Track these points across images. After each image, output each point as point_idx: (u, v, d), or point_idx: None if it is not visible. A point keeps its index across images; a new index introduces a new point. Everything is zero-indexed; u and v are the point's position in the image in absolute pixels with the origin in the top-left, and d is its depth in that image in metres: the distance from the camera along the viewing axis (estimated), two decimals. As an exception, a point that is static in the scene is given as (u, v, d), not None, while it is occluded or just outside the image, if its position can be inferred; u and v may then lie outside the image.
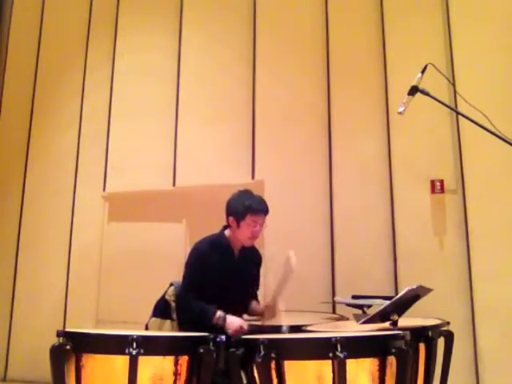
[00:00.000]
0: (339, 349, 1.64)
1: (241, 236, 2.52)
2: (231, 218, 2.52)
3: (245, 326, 2.32)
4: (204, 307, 2.41)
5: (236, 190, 2.60)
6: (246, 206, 2.47)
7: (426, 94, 2.24)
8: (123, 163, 4.21)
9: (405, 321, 2.17)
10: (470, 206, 3.30)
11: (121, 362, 1.75)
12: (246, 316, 2.65)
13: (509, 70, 3.34)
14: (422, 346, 2.06)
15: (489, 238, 3.21)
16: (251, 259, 2.65)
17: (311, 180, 3.71)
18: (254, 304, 2.68)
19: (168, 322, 2.51)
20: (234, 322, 2.34)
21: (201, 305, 2.42)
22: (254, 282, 2.68)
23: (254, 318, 2.67)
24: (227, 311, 2.45)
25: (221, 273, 2.50)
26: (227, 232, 2.59)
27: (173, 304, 2.56)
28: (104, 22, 4.58)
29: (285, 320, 2.46)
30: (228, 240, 2.57)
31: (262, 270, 2.81)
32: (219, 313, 2.37)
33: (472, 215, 3.28)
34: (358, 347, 1.71)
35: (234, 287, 2.53)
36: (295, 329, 2.33)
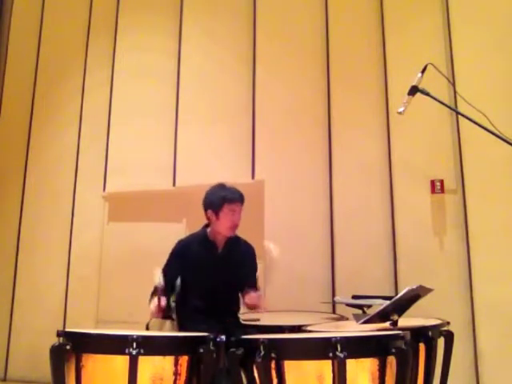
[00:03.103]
0: (339, 349, 1.63)
1: (221, 227, 2.57)
2: (209, 212, 2.59)
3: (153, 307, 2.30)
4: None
5: (209, 186, 2.68)
6: (222, 197, 2.56)
7: (426, 94, 2.24)
8: (123, 163, 4.21)
9: (405, 321, 2.17)
10: (470, 205, 3.30)
11: (121, 361, 1.75)
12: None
13: (509, 70, 3.34)
14: (421, 346, 2.06)
15: (489, 237, 3.21)
16: (239, 254, 2.66)
17: (311, 180, 3.71)
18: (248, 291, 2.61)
19: (168, 322, 2.51)
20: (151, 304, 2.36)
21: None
22: (243, 273, 2.66)
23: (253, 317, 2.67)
24: (211, 304, 2.51)
25: (201, 265, 2.55)
26: (209, 229, 2.65)
27: (173, 304, 2.57)
28: (104, 22, 4.58)
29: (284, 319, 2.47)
30: (210, 235, 2.63)
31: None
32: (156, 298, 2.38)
33: (472, 215, 3.28)
34: (358, 347, 1.71)
35: (217, 280, 2.55)
36: (295, 329, 2.34)
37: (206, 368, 1.87)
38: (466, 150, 3.37)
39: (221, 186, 2.65)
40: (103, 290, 4.05)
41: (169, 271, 2.57)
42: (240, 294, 2.68)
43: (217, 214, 2.57)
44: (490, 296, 3.14)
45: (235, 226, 2.59)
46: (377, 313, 2.09)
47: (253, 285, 2.67)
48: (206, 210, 2.63)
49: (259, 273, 2.82)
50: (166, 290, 2.54)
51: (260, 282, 2.81)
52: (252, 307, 2.52)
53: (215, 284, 2.53)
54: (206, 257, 2.58)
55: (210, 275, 2.53)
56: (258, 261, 2.82)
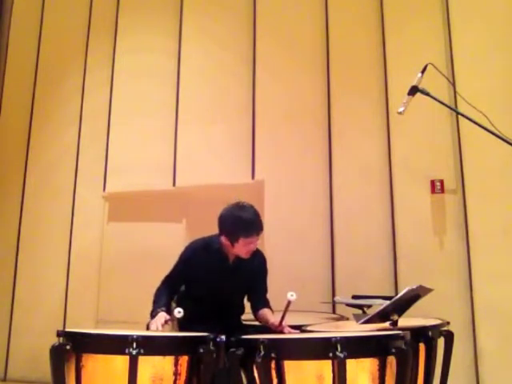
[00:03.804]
0: (339, 349, 1.64)
1: (236, 252, 2.46)
2: (224, 238, 2.43)
3: (159, 326, 2.24)
4: (156, 299, 2.44)
5: (228, 205, 2.46)
6: (239, 229, 2.36)
7: (426, 94, 2.24)
8: (123, 163, 4.21)
9: (405, 321, 2.17)
10: (470, 206, 3.30)
11: (121, 362, 1.75)
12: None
13: (509, 70, 3.34)
14: (421, 346, 2.06)
15: (489, 237, 3.21)
16: (251, 265, 2.55)
17: (311, 180, 3.71)
18: (266, 312, 2.51)
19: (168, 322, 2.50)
20: (154, 321, 2.30)
21: (159, 295, 2.46)
22: (252, 287, 2.59)
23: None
24: (218, 314, 2.46)
25: (210, 275, 2.47)
26: (223, 238, 2.49)
27: (173, 304, 2.56)
28: (104, 22, 4.58)
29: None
30: (222, 246, 2.50)
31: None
32: (158, 310, 2.34)
33: (472, 215, 3.28)
34: (358, 347, 1.71)
35: (226, 291, 2.49)
36: (295, 329, 2.34)
37: (206, 368, 1.87)
38: (466, 150, 3.37)
39: (240, 212, 2.40)
40: (103, 290, 4.05)
41: (176, 276, 2.53)
42: (247, 299, 2.63)
43: (232, 243, 2.39)
44: (490, 296, 3.14)
45: (251, 252, 2.44)
46: (377, 313, 2.10)
47: (262, 295, 2.59)
48: (220, 233, 2.44)
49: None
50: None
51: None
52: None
53: (222, 294, 2.48)
54: (216, 267, 2.49)
55: (217, 285, 2.47)
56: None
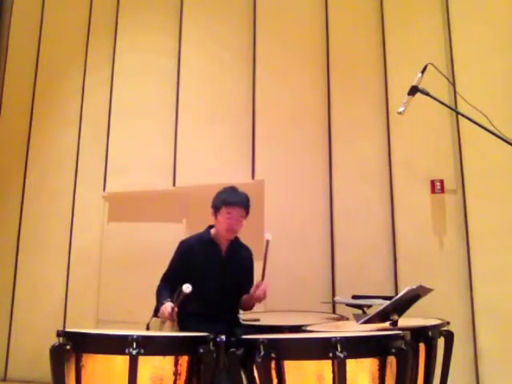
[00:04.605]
0: (339, 349, 1.64)
1: (220, 228, 2.63)
2: (212, 211, 2.66)
3: (166, 313, 2.35)
4: (159, 297, 2.54)
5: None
6: (221, 199, 2.62)
7: (426, 94, 2.24)
8: (123, 163, 4.21)
9: (405, 321, 2.17)
10: (470, 206, 3.30)
11: (121, 362, 1.75)
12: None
13: (509, 70, 3.34)
14: (421, 346, 2.06)
15: (489, 237, 3.21)
16: (241, 257, 2.71)
17: (311, 180, 3.71)
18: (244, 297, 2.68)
19: (168, 322, 2.51)
20: (163, 308, 2.40)
21: (160, 293, 2.56)
22: (243, 278, 2.69)
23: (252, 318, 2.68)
24: (213, 306, 2.53)
25: (206, 267, 2.57)
26: (213, 230, 2.68)
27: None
28: (104, 21, 4.58)
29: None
30: (213, 237, 2.66)
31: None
32: (164, 302, 2.44)
33: (472, 215, 3.28)
34: (357, 347, 1.71)
35: (221, 283, 2.57)
36: (295, 329, 2.34)
37: (206, 368, 1.88)
38: (466, 150, 3.37)
39: (228, 189, 2.70)
40: (103, 289, 4.05)
41: (173, 273, 2.58)
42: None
43: (216, 214, 2.63)
44: (490, 296, 3.14)
45: (231, 230, 2.61)
46: (377, 313, 2.09)
47: (248, 288, 2.68)
48: (212, 211, 2.69)
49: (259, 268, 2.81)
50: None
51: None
52: (257, 300, 2.58)
53: (219, 287, 2.55)
54: (211, 259, 2.60)
55: (214, 278, 2.55)
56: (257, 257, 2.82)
